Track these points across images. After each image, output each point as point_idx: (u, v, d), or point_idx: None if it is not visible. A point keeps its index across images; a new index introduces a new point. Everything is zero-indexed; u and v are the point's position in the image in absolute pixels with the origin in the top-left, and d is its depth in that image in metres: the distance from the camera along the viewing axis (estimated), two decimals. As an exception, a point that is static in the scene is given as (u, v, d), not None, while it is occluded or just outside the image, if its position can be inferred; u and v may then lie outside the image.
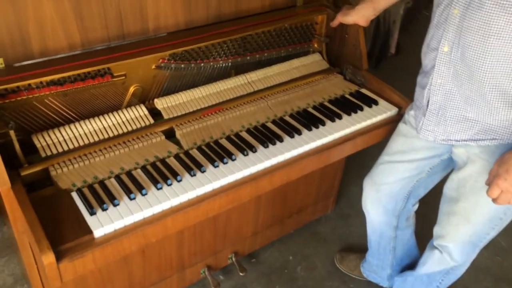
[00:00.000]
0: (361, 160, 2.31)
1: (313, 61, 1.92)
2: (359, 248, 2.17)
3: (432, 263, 1.65)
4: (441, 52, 1.30)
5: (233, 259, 2.00)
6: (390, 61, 3.56)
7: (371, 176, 1.70)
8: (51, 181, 1.33)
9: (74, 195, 1.25)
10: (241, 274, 1.96)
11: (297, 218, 2.20)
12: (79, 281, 1.55)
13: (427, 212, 1.92)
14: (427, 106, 1.39)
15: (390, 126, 1.69)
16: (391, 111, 1.72)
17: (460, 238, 1.51)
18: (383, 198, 1.68)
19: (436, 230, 1.59)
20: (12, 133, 1.30)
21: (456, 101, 1.33)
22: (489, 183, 1.20)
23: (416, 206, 1.77)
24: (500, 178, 1.16)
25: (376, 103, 1.74)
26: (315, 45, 1.97)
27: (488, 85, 1.23)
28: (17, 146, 1.32)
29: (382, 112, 1.71)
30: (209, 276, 1.93)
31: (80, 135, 1.42)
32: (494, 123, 1.28)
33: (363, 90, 1.82)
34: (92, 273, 1.57)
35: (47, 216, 1.19)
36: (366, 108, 1.72)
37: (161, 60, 1.56)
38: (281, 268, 2.10)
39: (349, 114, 1.67)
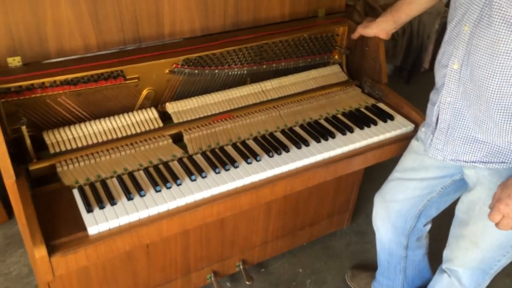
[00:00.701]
0: (382, 174, 2.25)
1: (332, 73, 1.89)
2: (373, 267, 2.10)
3: (441, 287, 1.58)
4: (450, 70, 1.26)
5: (241, 267, 1.99)
6: (423, 76, 3.45)
7: (381, 192, 1.65)
8: (58, 177, 1.37)
9: (75, 191, 1.29)
10: (247, 283, 1.95)
11: (310, 230, 2.16)
12: (83, 277, 1.59)
13: (444, 232, 1.84)
14: (436, 124, 1.34)
15: (404, 142, 1.64)
16: (407, 127, 1.67)
17: (469, 263, 1.44)
18: (393, 215, 1.63)
19: (446, 253, 1.52)
20: (24, 129, 1.35)
21: (466, 121, 1.27)
22: (492, 207, 1.14)
23: (429, 227, 1.70)
24: (502, 203, 1.10)
25: (391, 118, 1.70)
26: (336, 57, 1.95)
27: (496, 106, 1.17)
28: (28, 141, 1.37)
29: (397, 127, 1.66)
30: (215, 282, 1.92)
31: (89, 134, 1.45)
32: (503, 145, 1.22)
33: (380, 105, 1.78)
34: (96, 270, 1.60)
35: (46, 210, 1.23)
36: (380, 122, 1.68)
37: (174, 65, 1.58)
38: (290, 280, 2.08)
39: (361, 128, 1.64)
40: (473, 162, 1.30)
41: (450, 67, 1.26)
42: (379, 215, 1.68)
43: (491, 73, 1.14)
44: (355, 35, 1.80)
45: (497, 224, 1.14)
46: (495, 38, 1.11)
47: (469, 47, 1.19)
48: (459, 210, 1.44)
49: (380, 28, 1.69)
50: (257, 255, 2.05)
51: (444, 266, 1.54)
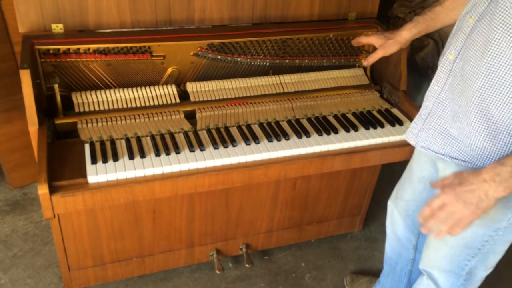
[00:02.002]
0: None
1: (354, 75, 1.94)
2: (374, 272, 2.12)
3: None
4: (445, 59, 1.27)
5: (244, 250, 2.09)
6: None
7: (395, 190, 1.69)
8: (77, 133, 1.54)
9: (86, 146, 1.45)
10: (247, 265, 2.04)
11: (318, 227, 2.21)
12: (93, 230, 1.76)
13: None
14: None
15: (410, 148, 1.66)
16: (414, 134, 1.69)
17: (440, 264, 1.43)
18: (402, 213, 1.66)
19: (423, 251, 1.53)
20: (56, 87, 1.54)
21: (445, 113, 1.29)
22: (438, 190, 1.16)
23: None
24: (450, 187, 1.11)
25: (400, 123, 1.72)
26: (362, 61, 1.99)
27: (474, 106, 1.17)
28: (58, 98, 1.55)
29: (403, 132, 1.68)
30: (216, 260, 2.03)
31: (112, 100, 1.62)
32: (470, 146, 1.22)
33: (394, 110, 1.81)
34: (105, 226, 1.76)
35: (59, 158, 1.41)
36: (388, 126, 1.71)
37: (199, 48, 1.72)
38: (290, 272, 2.14)
39: (367, 128, 1.68)
40: (441, 154, 1.30)
41: (446, 56, 1.27)
42: (390, 212, 1.71)
43: (478, 71, 1.14)
44: (368, 62, 1.77)
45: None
46: (490, 36, 1.11)
47: (468, 40, 1.20)
48: None
49: (404, 42, 1.65)
50: (261, 242, 2.13)
51: (420, 265, 1.54)
